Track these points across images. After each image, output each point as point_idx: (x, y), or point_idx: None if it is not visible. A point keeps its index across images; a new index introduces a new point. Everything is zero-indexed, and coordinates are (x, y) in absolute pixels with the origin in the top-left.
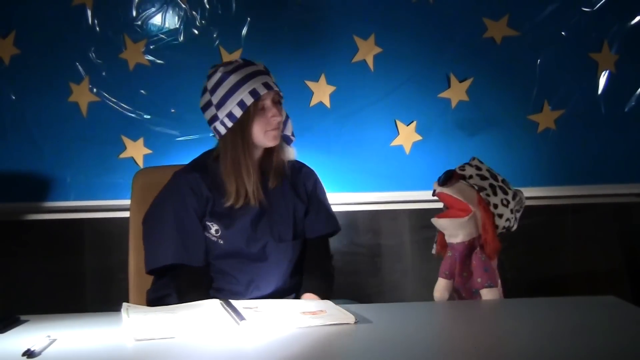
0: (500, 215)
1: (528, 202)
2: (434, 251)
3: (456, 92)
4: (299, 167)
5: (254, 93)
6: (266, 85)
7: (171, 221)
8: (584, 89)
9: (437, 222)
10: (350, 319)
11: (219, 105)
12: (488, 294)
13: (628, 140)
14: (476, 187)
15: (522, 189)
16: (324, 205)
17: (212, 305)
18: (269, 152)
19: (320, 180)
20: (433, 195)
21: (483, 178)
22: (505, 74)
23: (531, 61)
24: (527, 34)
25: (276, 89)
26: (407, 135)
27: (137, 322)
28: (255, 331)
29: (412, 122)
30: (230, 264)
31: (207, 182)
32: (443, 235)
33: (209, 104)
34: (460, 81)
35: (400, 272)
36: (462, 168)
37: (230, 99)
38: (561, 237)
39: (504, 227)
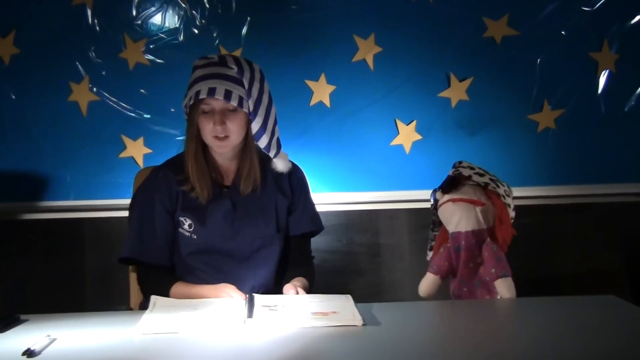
0: (509, 205)
1: (528, 202)
2: (429, 257)
3: (456, 92)
4: None
5: (197, 94)
6: (211, 91)
7: (137, 215)
8: (584, 89)
9: (449, 207)
10: (358, 321)
11: (185, 95)
12: (503, 284)
13: (628, 140)
14: (482, 184)
15: (522, 189)
16: (309, 204)
17: (236, 302)
18: (244, 156)
19: (306, 178)
20: (437, 206)
21: (481, 175)
22: (505, 73)
23: (531, 61)
24: (527, 33)
25: (219, 98)
26: (407, 135)
27: (153, 318)
28: (259, 330)
29: (412, 121)
30: (204, 260)
31: (179, 178)
32: (441, 234)
33: None
34: (460, 80)
35: (400, 272)
36: (458, 171)
37: (188, 92)
38: (561, 237)
39: (512, 217)
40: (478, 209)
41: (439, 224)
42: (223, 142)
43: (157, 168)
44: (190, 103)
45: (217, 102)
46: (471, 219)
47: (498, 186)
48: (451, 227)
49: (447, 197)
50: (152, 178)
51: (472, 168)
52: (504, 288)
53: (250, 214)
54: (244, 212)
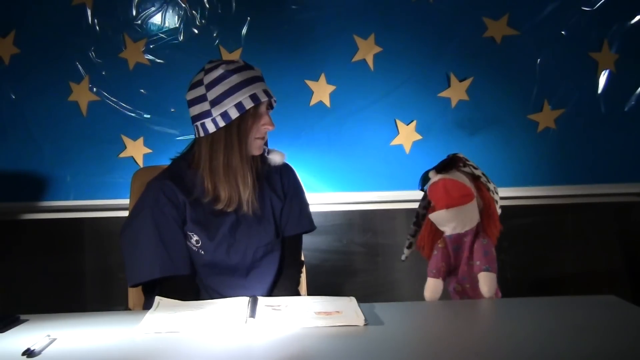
0: (497, 201)
1: (528, 202)
2: (404, 257)
3: (456, 92)
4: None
5: (254, 98)
6: (266, 93)
7: (152, 232)
8: (584, 89)
9: (443, 214)
10: (361, 321)
11: (215, 103)
12: (485, 278)
13: (628, 140)
14: (477, 174)
15: (522, 189)
16: (298, 203)
17: (239, 302)
18: (253, 160)
19: (298, 177)
20: (425, 186)
21: (475, 167)
22: (505, 73)
23: (531, 61)
24: (527, 33)
25: (274, 97)
26: (407, 135)
27: (155, 317)
28: (261, 329)
29: (412, 121)
30: (208, 273)
31: (181, 190)
32: (430, 233)
33: (201, 99)
34: (460, 80)
35: (400, 272)
36: (455, 154)
37: (228, 99)
38: (561, 237)
39: (498, 214)
40: (470, 205)
41: (422, 217)
42: (262, 143)
43: (158, 180)
44: (246, 108)
45: (265, 103)
46: (467, 220)
47: (489, 181)
48: (448, 231)
49: (439, 176)
50: (157, 191)
51: (467, 160)
52: (484, 282)
53: (252, 225)
54: (246, 224)
